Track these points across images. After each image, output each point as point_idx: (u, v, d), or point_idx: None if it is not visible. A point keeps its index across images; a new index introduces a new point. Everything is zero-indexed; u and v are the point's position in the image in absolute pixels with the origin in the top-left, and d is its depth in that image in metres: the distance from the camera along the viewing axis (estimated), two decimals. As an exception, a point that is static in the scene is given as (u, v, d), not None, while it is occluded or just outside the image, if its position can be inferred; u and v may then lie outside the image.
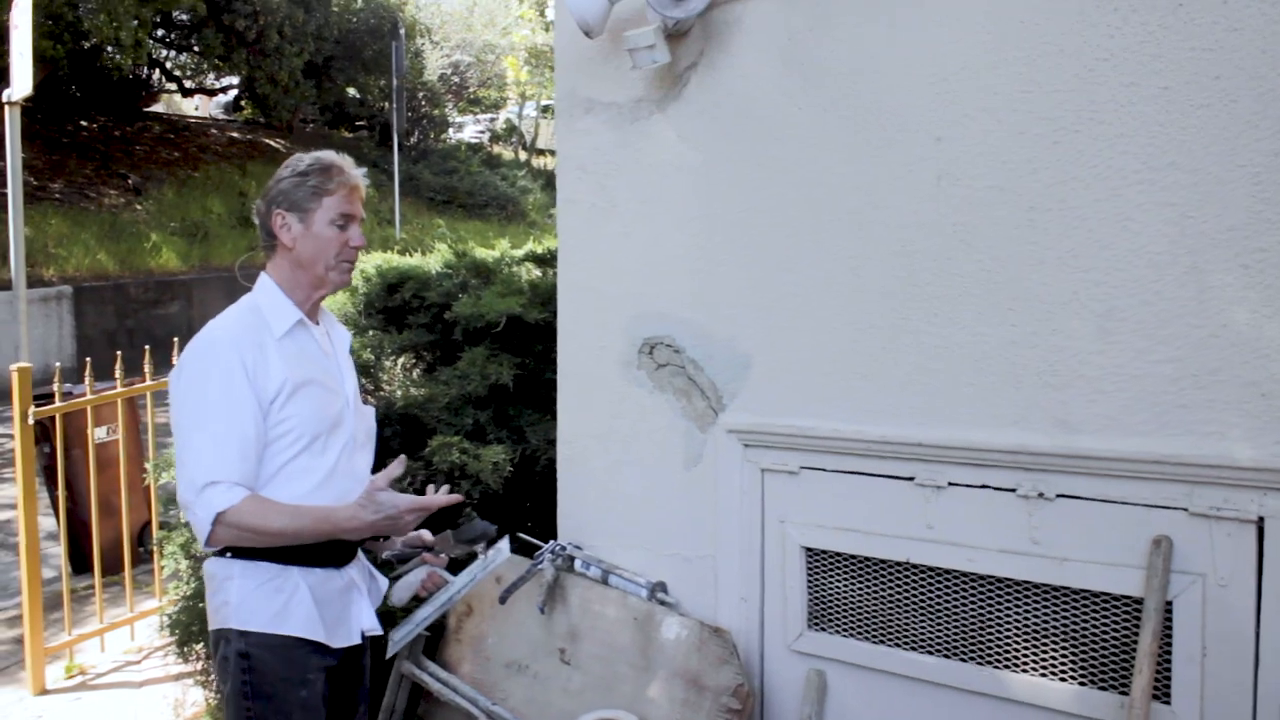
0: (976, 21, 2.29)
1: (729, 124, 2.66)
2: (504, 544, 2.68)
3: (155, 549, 4.42)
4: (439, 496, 2.33)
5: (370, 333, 3.97)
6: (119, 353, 5.00)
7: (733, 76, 2.65)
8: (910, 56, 2.38)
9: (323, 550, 2.28)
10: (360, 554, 2.45)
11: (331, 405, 2.32)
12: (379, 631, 2.45)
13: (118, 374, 4.79)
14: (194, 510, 2.14)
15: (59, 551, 5.24)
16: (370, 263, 4.11)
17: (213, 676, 3.62)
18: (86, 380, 4.72)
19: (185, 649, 3.56)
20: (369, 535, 2.32)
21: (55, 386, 4.66)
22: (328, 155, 2.37)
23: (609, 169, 2.87)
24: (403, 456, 2.32)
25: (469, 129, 23.54)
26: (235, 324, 2.27)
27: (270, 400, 2.21)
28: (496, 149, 22.84)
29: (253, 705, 2.21)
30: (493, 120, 23.79)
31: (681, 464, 2.81)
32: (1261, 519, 2.06)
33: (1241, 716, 2.10)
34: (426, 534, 2.61)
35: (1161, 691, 2.17)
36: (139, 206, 13.72)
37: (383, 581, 2.52)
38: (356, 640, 2.36)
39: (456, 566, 2.77)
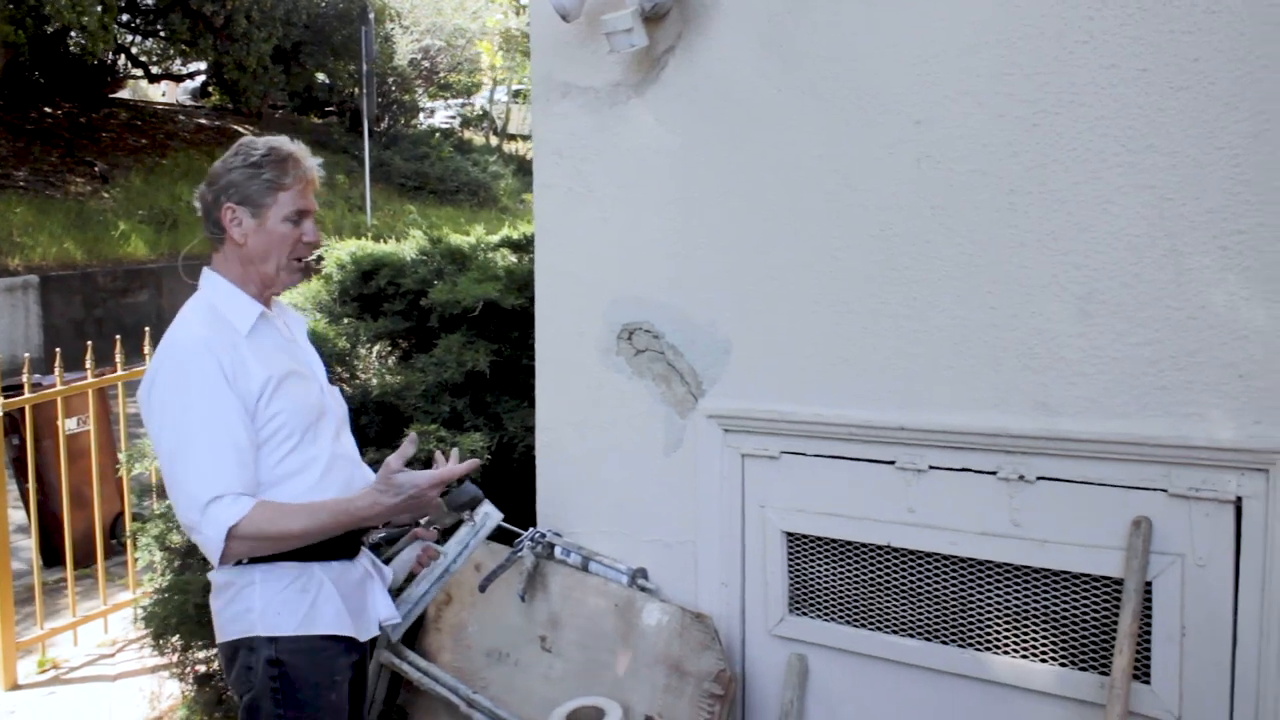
0: (955, 3, 2.28)
1: (707, 107, 2.64)
2: (490, 508, 2.60)
3: (129, 540, 4.37)
4: (455, 466, 2.26)
5: (345, 320, 3.93)
6: (89, 342, 4.94)
7: (711, 60, 2.63)
8: (890, 39, 2.37)
9: (338, 542, 2.20)
10: None
11: (311, 393, 2.25)
12: (398, 619, 2.39)
13: (88, 364, 4.72)
14: (201, 530, 2.03)
15: (29, 544, 5.17)
16: (345, 249, 4.07)
17: (188, 670, 3.59)
18: (56, 370, 4.66)
19: (161, 641, 3.53)
20: (389, 519, 2.25)
21: (24, 377, 4.59)
22: (282, 144, 2.23)
23: (586, 153, 2.85)
24: (414, 434, 2.21)
25: (440, 114, 23.37)
26: (201, 327, 2.15)
27: (255, 399, 2.12)
28: (467, 134, 22.70)
29: (285, 713, 2.12)
30: (464, 105, 23.62)
31: (661, 450, 2.80)
32: (1239, 499, 2.08)
33: (1219, 695, 2.12)
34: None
35: (1141, 671, 2.19)
36: (106, 194, 13.54)
37: (386, 569, 2.46)
38: (376, 631, 2.31)
39: (445, 536, 2.73)
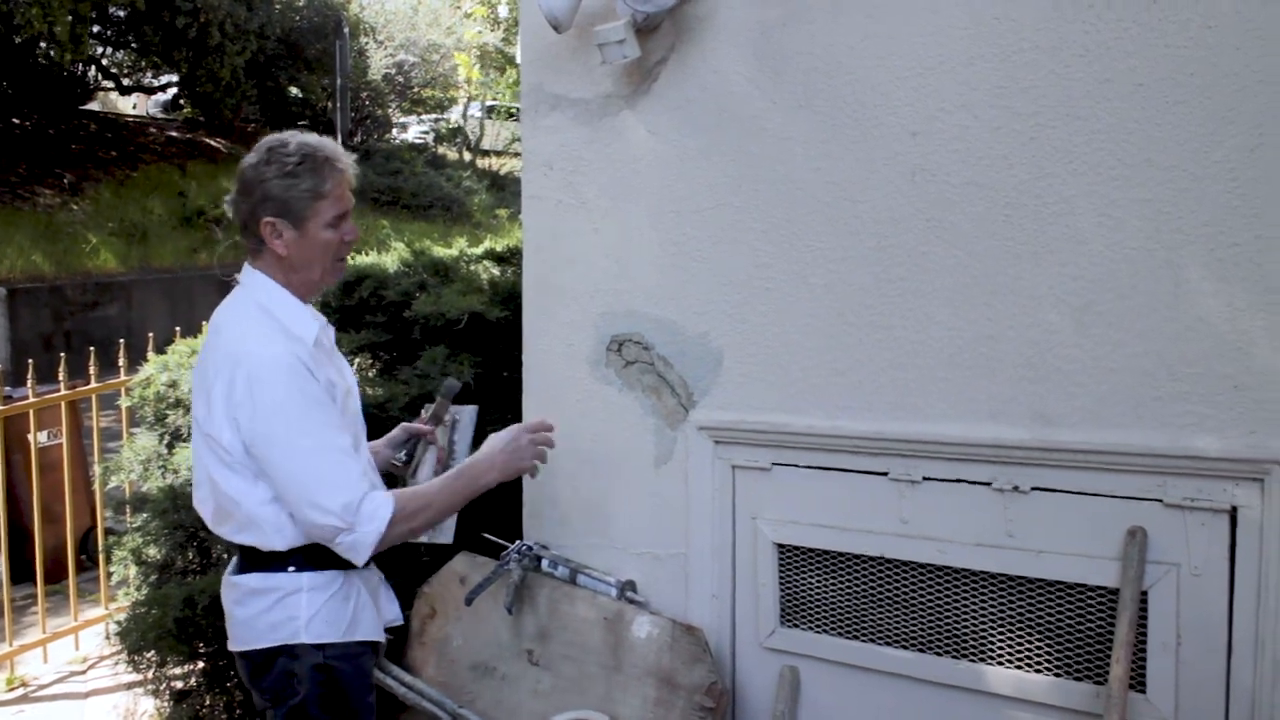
0: (953, 17, 2.30)
1: (700, 119, 2.64)
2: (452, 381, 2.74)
3: (102, 555, 4.30)
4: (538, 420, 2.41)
5: (327, 332, 3.89)
6: (61, 355, 4.86)
7: (704, 71, 2.63)
8: (885, 51, 2.38)
9: None
10: None
11: (358, 405, 2.29)
12: (401, 621, 2.43)
13: (61, 376, 4.65)
14: (358, 528, 2.05)
15: (-2, 559, 5.07)
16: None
17: (164, 686, 3.52)
18: (29, 383, 4.58)
19: (136, 657, 3.46)
20: (500, 477, 2.28)
21: (-4, 389, 4.51)
22: (315, 147, 2.16)
23: (577, 165, 2.84)
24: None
25: (413, 129, 23.29)
26: (278, 340, 2.09)
27: (338, 405, 2.16)
28: (441, 149, 22.62)
29: (332, 717, 2.15)
30: (437, 120, 23.55)
31: (651, 462, 2.78)
32: (1234, 509, 2.09)
33: (1214, 703, 2.13)
34: (417, 424, 2.62)
35: (1137, 681, 2.19)
36: (75, 206, 13.38)
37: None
38: (383, 634, 2.34)
39: None
